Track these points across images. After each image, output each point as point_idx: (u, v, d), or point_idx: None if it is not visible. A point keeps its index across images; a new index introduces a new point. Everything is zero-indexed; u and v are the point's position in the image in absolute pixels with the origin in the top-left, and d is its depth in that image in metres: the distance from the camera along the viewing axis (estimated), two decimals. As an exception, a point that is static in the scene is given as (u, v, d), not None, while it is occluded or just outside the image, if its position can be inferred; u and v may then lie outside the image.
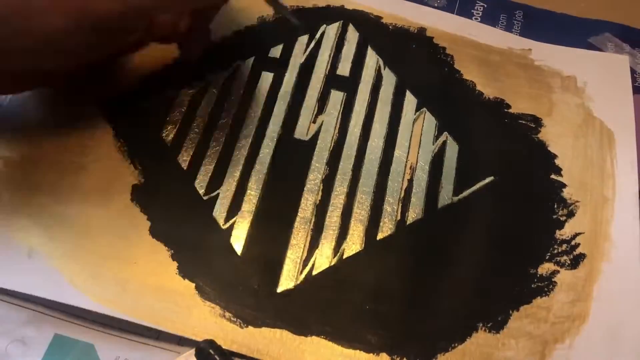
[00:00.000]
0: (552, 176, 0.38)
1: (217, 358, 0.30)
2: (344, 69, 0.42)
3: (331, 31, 0.43)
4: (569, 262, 0.35)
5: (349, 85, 0.41)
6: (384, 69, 0.42)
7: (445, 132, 0.39)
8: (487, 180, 0.37)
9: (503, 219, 0.36)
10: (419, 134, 0.39)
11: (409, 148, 0.38)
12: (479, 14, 0.46)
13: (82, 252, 0.33)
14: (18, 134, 0.38)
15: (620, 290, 0.34)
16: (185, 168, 0.37)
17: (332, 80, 0.41)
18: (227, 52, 0.42)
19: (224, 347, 0.31)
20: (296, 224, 0.35)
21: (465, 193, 0.37)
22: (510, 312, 0.33)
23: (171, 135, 0.38)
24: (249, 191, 0.36)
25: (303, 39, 0.43)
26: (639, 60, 0.43)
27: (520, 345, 0.32)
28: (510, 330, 0.32)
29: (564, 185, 0.37)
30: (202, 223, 0.35)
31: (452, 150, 0.38)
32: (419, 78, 0.42)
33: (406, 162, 0.38)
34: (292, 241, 0.35)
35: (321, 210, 0.36)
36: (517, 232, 0.36)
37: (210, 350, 0.30)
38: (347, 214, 0.36)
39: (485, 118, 0.40)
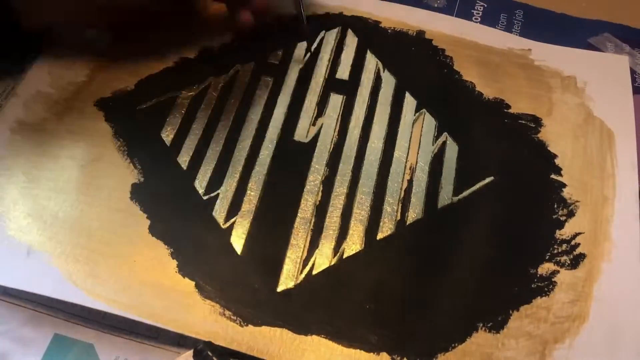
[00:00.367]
0: (552, 176, 0.38)
1: (215, 359, 0.30)
2: (343, 72, 0.42)
3: (330, 37, 0.44)
4: (569, 262, 0.34)
5: (349, 88, 0.41)
6: (383, 72, 0.42)
7: (445, 133, 0.39)
8: (487, 180, 0.37)
9: (503, 219, 0.36)
10: (419, 135, 0.39)
11: (408, 149, 0.38)
12: (479, 14, 0.46)
13: (82, 251, 0.34)
14: (19, 134, 0.38)
15: (620, 290, 0.33)
16: (185, 168, 0.37)
17: (332, 84, 0.41)
18: (227, 56, 0.42)
19: (223, 345, 0.31)
20: (296, 224, 0.35)
21: (465, 193, 0.37)
22: (510, 312, 0.33)
23: (171, 136, 0.38)
24: (248, 191, 0.36)
25: (302, 44, 0.43)
26: (638, 60, 0.43)
27: (520, 345, 0.32)
28: (510, 330, 0.32)
29: (564, 185, 0.37)
30: (201, 222, 0.35)
31: (452, 151, 0.38)
32: (419, 80, 0.42)
33: (406, 162, 0.38)
34: (292, 241, 0.35)
35: (321, 210, 0.36)
36: (517, 232, 0.36)
37: (209, 352, 0.30)
38: (347, 214, 0.36)
39: (485, 118, 0.40)
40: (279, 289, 0.33)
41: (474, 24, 0.45)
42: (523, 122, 0.40)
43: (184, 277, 0.33)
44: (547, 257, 0.35)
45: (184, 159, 0.37)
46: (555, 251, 0.35)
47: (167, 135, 0.38)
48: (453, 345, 0.32)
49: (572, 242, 0.35)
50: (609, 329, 0.32)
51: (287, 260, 0.34)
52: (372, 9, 0.45)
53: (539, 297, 0.33)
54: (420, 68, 0.42)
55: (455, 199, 0.37)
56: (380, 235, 0.35)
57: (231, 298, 0.32)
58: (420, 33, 0.44)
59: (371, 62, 0.42)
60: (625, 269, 0.34)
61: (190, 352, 0.31)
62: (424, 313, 0.33)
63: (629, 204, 0.37)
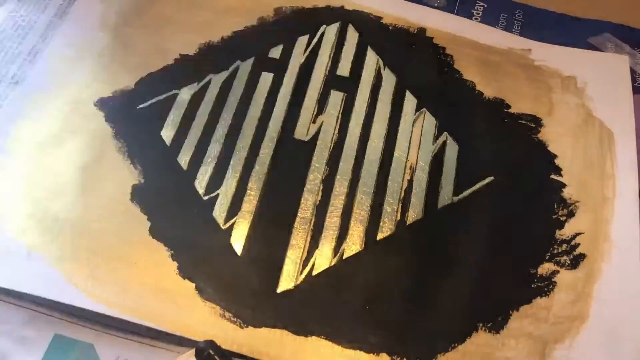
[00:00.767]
0: (552, 176, 0.38)
1: (217, 358, 0.30)
2: (344, 69, 0.42)
3: (331, 32, 0.43)
4: (569, 262, 0.35)
5: (349, 85, 0.41)
6: (384, 69, 0.42)
7: (445, 132, 0.39)
8: (487, 180, 0.37)
9: (503, 219, 0.36)
10: (419, 134, 0.39)
11: (408, 148, 0.38)
12: (479, 13, 0.46)
13: (82, 253, 0.33)
14: (18, 135, 0.38)
15: (620, 290, 0.34)
16: (185, 168, 0.37)
17: (332, 81, 0.41)
18: (227, 52, 0.42)
19: (224, 347, 0.31)
20: (296, 224, 0.35)
21: (465, 193, 0.37)
22: (510, 312, 0.33)
23: (171, 136, 0.38)
24: (249, 191, 0.36)
25: (303, 39, 0.43)
26: (638, 60, 0.43)
27: (520, 345, 0.32)
28: (510, 330, 0.32)
29: (564, 185, 0.37)
30: (202, 223, 0.35)
31: (452, 150, 0.38)
32: (419, 78, 0.42)
33: (406, 162, 0.38)
34: (292, 241, 0.35)
35: (321, 210, 0.36)
36: (517, 232, 0.36)
37: (210, 351, 0.30)
38: (347, 214, 0.36)
39: (485, 118, 0.40)
40: (279, 289, 0.33)
41: (474, 23, 0.45)
42: (523, 122, 0.40)
43: (184, 279, 0.33)
44: (547, 257, 0.35)
45: (184, 159, 0.37)
46: (555, 251, 0.35)
47: (167, 135, 0.38)
48: (453, 345, 0.32)
49: (572, 242, 0.35)
50: (609, 329, 0.32)
51: (287, 261, 0.34)
52: (374, 3, 0.45)
53: (539, 297, 0.33)
54: (421, 66, 0.42)
55: (455, 199, 0.37)
56: (380, 236, 0.35)
57: (231, 299, 0.32)
58: (421, 30, 0.44)
59: (372, 59, 0.42)
60: (625, 269, 0.34)
61: (191, 352, 0.31)
62: (424, 313, 0.33)
63: (629, 204, 0.37)
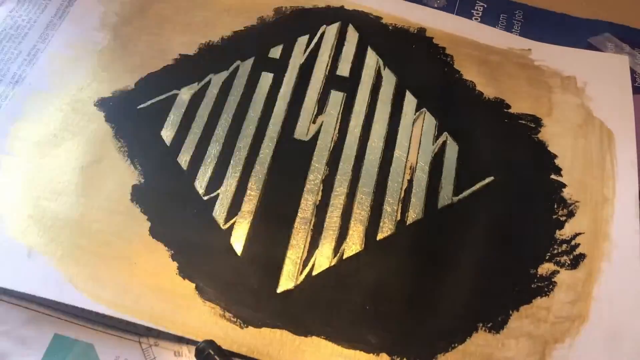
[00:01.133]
0: (552, 176, 0.38)
1: (217, 358, 0.30)
2: (344, 69, 0.42)
3: (331, 32, 0.43)
4: (569, 262, 0.35)
5: (349, 85, 0.41)
6: (384, 69, 0.42)
7: (445, 132, 0.39)
8: (487, 180, 0.37)
9: (503, 219, 0.36)
10: (419, 134, 0.39)
11: (408, 148, 0.38)
12: (479, 14, 0.46)
13: (82, 253, 0.33)
14: (18, 135, 0.38)
15: (620, 290, 0.34)
16: (185, 168, 0.37)
17: (332, 81, 0.41)
18: (227, 52, 0.42)
19: (224, 347, 0.31)
20: (296, 224, 0.35)
21: (465, 193, 0.37)
22: (510, 312, 0.33)
23: (171, 136, 0.38)
24: (249, 191, 0.36)
25: (303, 39, 0.43)
26: (638, 60, 0.43)
27: (520, 345, 0.32)
28: (510, 330, 0.32)
29: (564, 185, 0.37)
30: (202, 223, 0.35)
31: (452, 151, 0.38)
32: (419, 78, 0.42)
33: (406, 162, 0.38)
34: (292, 241, 0.35)
35: (321, 210, 0.36)
36: (517, 232, 0.36)
37: (210, 351, 0.30)
38: (347, 214, 0.36)
39: (485, 118, 0.40)
40: (279, 289, 0.33)
41: (474, 23, 0.45)
42: (523, 122, 0.40)
43: (184, 279, 0.33)
44: (547, 257, 0.35)
45: (184, 159, 0.37)
46: (555, 251, 0.35)
47: (167, 135, 0.38)
48: (453, 345, 0.32)
49: (572, 242, 0.35)
50: (609, 329, 0.32)
51: (287, 261, 0.34)
52: (374, 3, 0.45)
53: (539, 297, 0.33)
54: (421, 66, 0.42)
55: (455, 199, 0.37)
56: (380, 236, 0.35)
57: (231, 300, 0.32)
58: (421, 30, 0.44)
59: (372, 59, 0.42)
60: (625, 269, 0.34)
61: (191, 352, 0.31)
62: (424, 313, 0.33)
63: (629, 204, 0.37)
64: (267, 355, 0.31)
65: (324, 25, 0.44)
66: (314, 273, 0.34)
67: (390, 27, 0.44)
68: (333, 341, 0.32)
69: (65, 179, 0.36)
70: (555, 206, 0.36)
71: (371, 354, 0.31)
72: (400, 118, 0.40)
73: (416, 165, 0.38)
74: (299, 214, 0.36)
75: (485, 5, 0.46)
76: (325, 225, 0.35)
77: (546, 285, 0.34)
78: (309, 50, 0.43)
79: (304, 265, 0.34)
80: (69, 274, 0.33)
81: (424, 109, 0.40)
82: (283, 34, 0.43)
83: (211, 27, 0.43)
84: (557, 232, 0.36)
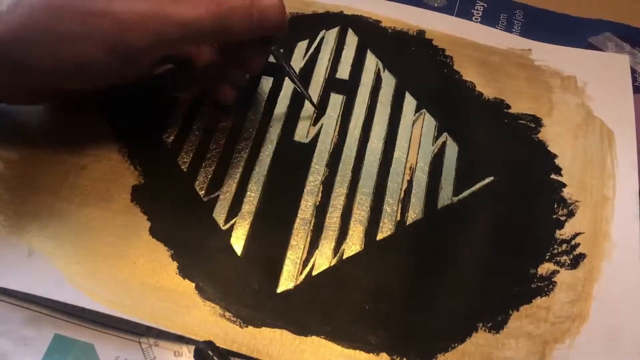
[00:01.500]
0: (552, 176, 0.38)
1: (216, 359, 0.30)
2: (344, 72, 0.42)
3: (330, 36, 0.44)
4: (569, 262, 0.34)
5: (349, 88, 0.41)
6: (384, 72, 0.42)
7: (445, 133, 0.39)
8: (487, 180, 0.37)
9: (503, 219, 0.36)
10: (419, 135, 0.39)
11: (408, 149, 0.38)
12: (479, 14, 0.46)
13: (83, 252, 0.34)
14: (19, 135, 0.38)
15: (620, 290, 0.33)
16: (185, 169, 0.37)
17: (332, 84, 0.41)
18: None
19: (223, 346, 0.31)
20: (296, 225, 0.35)
21: (465, 193, 0.37)
22: (510, 312, 0.33)
23: (172, 137, 0.38)
24: (249, 192, 0.36)
25: (303, 44, 0.43)
26: (639, 59, 0.43)
27: (520, 345, 0.32)
28: (510, 330, 0.32)
29: (564, 185, 0.37)
30: (202, 224, 0.35)
31: (452, 151, 0.38)
32: (419, 80, 0.42)
33: (406, 163, 0.38)
34: (292, 242, 0.35)
35: (321, 211, 0.36)
36: (517, 232, 0.36)
37: (209, 352, 0.30)
38: (346, 214, 0.36)
39: (485, 118, 0.40)
40: (279, 289, 0.33)
41: (474, 24, 0.45)
42: (523, 122, 0.40)
43: (184, 279, 0.33)
44: (547, 257, 0.35)
45: (184, 160, 0.37)
46: (555, 251, 0.35)
47: (168, 136, 0.38)
48: (453, 345, 0.32)
49: (572, 242, 0.35)
50: (609, 329, 0.32)
51: (287, 261, 0.34)
52: (373, 7, 0.45)
53: (539, 297, 0.33)
54: (421, 68, 0.42)
55: (455, 199, 0.37)
56: (380, 236, 0.35)
57: (231, 299, 0.32)
58: (421, 33, 0.44)
59: (371, 61, 0.42)
60: (625, 269, 0.34)
61: (191, 352, 0.31)
62: (424, 313, 0.33)
63: (629, 204, 0.37)
64: (267, 355, 0.31)
65: (324, 30, 0.44)
66: (314, 273, 0.34)
67: (389, 30, 0.44)
68: (333, 341, 0.32)
69: (65, 179, 0.36)
70: (555, 206, 0.36)
71: (371, 354, 0.31)
72: (400, 119, 0.40)
73: (416, 165, 0.38)
74: (298, 215, 0.36)
75: (486, 5, 0.46)
76: (325, 226, 0.35)
77: (546, 285, 0.34)
78: (308, 54, 0.43)
79: (304, 266, 0.34)
80: (69, 274, 0.33)
81: (424, 110, 0.40)
82: (283, 39, 0.43)
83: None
84: (557, 232, 0.36)
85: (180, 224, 0.35)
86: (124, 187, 0.36)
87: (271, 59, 0.42)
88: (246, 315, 0.32)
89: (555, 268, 0.34)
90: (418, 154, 0.38)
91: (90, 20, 0.30)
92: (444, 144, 0.39)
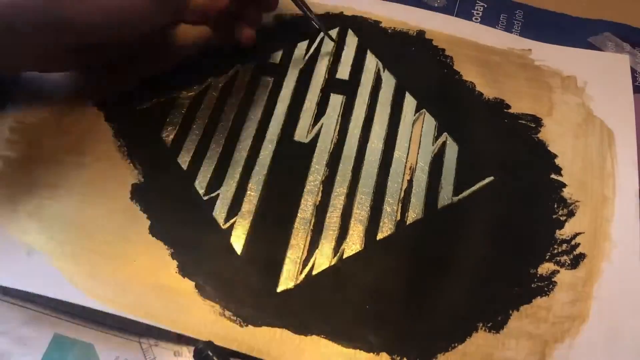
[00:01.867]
0: (552, 176, 0.38)
1: (215, 359, 0.30)
2: (344, 72, 0.42)
3: (329, 36, 0.43)
4: (569, 262, 0.34)
5: (349, 88, 0.41)
6: (384, 72, 0.42)
7: (445, 133, 0.39)
8: (487, 180, 0.37)
9: (503, 219, 0.36)
10: (419, 135, 0.39)
11: (408, 149, 0.38)
12: (479, 14, 0.46)
13: (82, 251, 0.34)
14: (18, 133, 0.38)
15: (620, 290, 0.33)
16: (185, 168, 0.37)
17: (332, 84, 0.41)
18: (227, 56, 0.42)
19: (223, 345, 0.31)
20: (296, 225, 0.35)
21: (465, 193, 0.37)
22: (510, 312, 0.33)
23: (171, 136, 0.38)
24: (249, 192, 0.36)
25: (303, 44, 0.43)
26: (639, 59, 0.43)
27: (520, 345, 0.32)
28: (510, 330, 0.32)
29: (564, 185, 0.37)
30: (202, 223, 0.35)
31: (452, 151, 0.38)
32: (419, 80, 0.42)
33: (406, 162, 0.38)
34: (292, 241, 0.35)
35: (321, 210, 0.36)
36: (517, 232, 0.36)
37: (209, 352, 0.30)
38: (347, 214, 0.36)
39: (485, 118, 0.40)
40: (279, 289, 0.33)
41: (474, 24, 0.45)
42: (523, 122, 0.40)
43: (184, 278, 0.33)
44: (547, 257, 0.35)
45: (184, 159, 0.37)
46: (555, 251, 0.35)
47: (168, 136, 0.38)
48: (453, 345, 0.32)
49: (572, 242, 0.35)
50: (609, 329, 0.32)
51: (287, 261, 0.34)
52: (372, 8, 0.45)
53: (539, 297, 0.33)
54: (421, 68, 0.42)
55: (455, 199, 0.37)
56: (380, 236, 0.35)
57: (231, 298, 0.32)
58: (421, 33, 0.44)
59: (371, 62, 0.42)
60: (625, 269, 0.34)
61: (190, 352, 0.31)
62: (424, 313, 0.33)
63: (629, 204, 0.37)
64: (267, 354, 0.31)
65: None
66: (314, 273, 0.34)
67: (389, 31, 0.44)
68: (333, 340, 0.32)
69: (65, 178, 0.36)
70: (555, 206, 0.36)
71: (371, 353, 0.31)
72: (400, 119, 0.40)
73: (416, 165, 0.38)
74: (298, 214, 0.36)
75: (486, 5, 0.46)
76: (325, 225, 0.35)
77: (546, 285, 0.34)
78: (308, 54, 0.43)
79: (304, 265, 0.34)
80: (69, 273, 0.33)
81: (424, 110, 0.40)
82: (283, 40, 0.43)
83: (212, 32, 0.43)
84: (557, 231, 0.36)
85: (180, 223, 0.35)
86: (124, 185, 0.36)
87: (272, 59, 0.42)
88: (246, 314, 0.32)
89: (555, 268, 0.34)
90: (418, 153, 0.38)
91: None
92: (444, 143, 0.39)
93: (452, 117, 0.40)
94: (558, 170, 0.38)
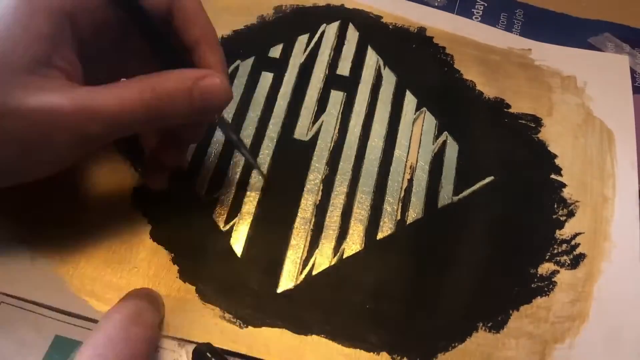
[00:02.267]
0: (552, 176, 0.38)
1: (214, 360, 0.30)
2: (344, 68, 0.42)
3: (331, 30, 0.43)
4: (569, 262, 0.35)
5: (349, 85, 0.41)
6: (384, 69, 0.42)
7: (445, 132, 0.39)
8: (487, 180, 0.37)
9: (503, 219, 0.36)
10: (419, 134, 0.39)
11: (408, 148, 0.38)
12: (479, 13, 0.46)
13: (84, 257, 0.33)
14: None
15: (620, 290, 0.34)
16: (185, 170, 0.37)
17: (332, 80, 0.41)
18: (227, 52, 0.42)
19: (223, 347, 0.31)
20: (296, 224, 0.35)
21: (465, 193, 0.37)
22: (510, 312, 0.33)
23: (171, 135, 0.38)
24: (248, 192, 0.36)
25: (303, 38, 0.43)
26: (638, 60, 0.43)
27: (520, 345, 0.32)
28: (510, 330, 0.32)
29: (564, 185, 0.37)
30: (202, 225, 0.35)
31: (452, 150, 0.38)
32: (419, 78, 0.42)
33: (406, 161, 0.38)
34: (292, 241, 0.35)
35: (321, 210, 0.36)
36: (517, 232, 0.36)
37: (208, 353, 0.30)
38: (347, 214, 0.36)
39: (485, 118, 0.40)
40: (279, 289, 0.33)
41: (474, 23, 0.45)
42: (523, 122, 0.40)
43: (184, 282, 0.33)
44: (547, 257, 0.35)
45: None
46: (555, 251, 0.35)
47: (167, 135, 0.38)
48: (453, 345, 0.32)
49: (572, 242, 0.35)
50: (609, 329, 0.32)
51: (287, 261, 0.34)
52: (374, 2, 0.45)
53: (539, 297, 0.33)
54: (421, 66, 0.42)
55: (456, 198, 0.37)
56: (380, 235, 0.35)
57: (231, 301, 0.32)
58: (421, 30, 0.44)
59: (372, 58, 0.42)
60: (625, 269, 0.34)
61: (189, 354, 0.31)
62: (424, 313, 0.33)
63: (629, 204, 0.37)
64: (268, 354, 0.31)
65: (324, 24, 0.44)
66: (314, 273, 0.34)
67: (390, 27, 0.44)
68: (333, 340, 0.32)
69: (66, 183, 0.36)
70: (555, 206, 0.36)
71: (371, 353, 0.31)
72: (401, 117, 0.40)
73: (416, 164, 0.38)
74: (299, 214, 0.35)
75: (486, 4, 0.46)
76: (325, 225, 0.35)
77: (546, 285, 0.34)
78: (309, 49, 0.43)
79: (304, 265, 0.34)
80: (71, 279, 0.33)
81: (424, 109, 0.40)
82: (283, 33, 0.43)
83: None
84: (557, 232, 0.36)
85: (181, 226, 0.35)
86: (125, 190, 0.36)
87: (272, 54, 0.42)
88: (246, 315, 0.32)
89: (555, 268, 0.34)
90: (418, 152, 0.38)
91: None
92: (444, 143, 0.39)
93: (453, 116, 0.40)
94: (558, 170, 0.38)
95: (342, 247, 0.35)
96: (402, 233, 0.35)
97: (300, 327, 0.32)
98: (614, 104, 0.41)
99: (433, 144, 0.39)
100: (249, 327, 0.32)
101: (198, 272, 0.33)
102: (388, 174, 0.37)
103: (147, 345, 0.28)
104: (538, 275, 0.34)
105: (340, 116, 0.40)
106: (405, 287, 0.33)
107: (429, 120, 0.40)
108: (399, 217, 0.36)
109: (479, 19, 0.45)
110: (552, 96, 0.41)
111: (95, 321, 0.32)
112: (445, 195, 0.37)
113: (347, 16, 0.44)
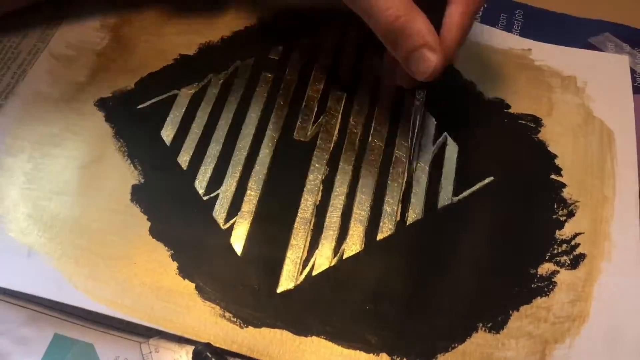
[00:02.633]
0: (552, 176, 0.38)
1: (213, 361, 0.30)
2: (345, 69, 0.42)
3: (331, 32, 0.43)
4: (569, 262, 0.34)
5: (349, 85, 0.41)
6: (384, 69, 0.42)
7: (445, 133, 0.39)
8: (487, 180, 0.37)
9: (503, 219, 0.36)
10: (419, 134, 0.39)
11: (408, 148, 0.38)
12: (479, 13, 0.46)
13: (82, 253, 0.33)
14: (18, 135, 0.38)
15: (620, 290, 0.33)
16: (185, 168, 0.37)
17: (333, 81, 0.41)
18: (226, 52, 0.42)
19: (223, 347, 0.31)
20: (296, 225, 0.35)
21: (465, 193, 0.37)
22: (510, 312, 0.33)
23: (171, 136, 0.38)
24: (248, 191, 0.36)
25: (303, 40, 0.43)
26: (638, 60, 0.43)
27: (520, 345, 0.32)
28: (510, 330, 0.32)
29: (564, 185, 0.37)
30: (202, 223, 0.35)
31: (452, 151, 0.38)
32: (419, 78, 0.41)
33: (406, 162, 0.38)
34: (292, 241, 0.35)
35: (321, 210, 0.36)
36: (517, 232, 0.36)
37: (207, 353, 0.30)
38: (347, 214, 0.36)
39: (485, 118, 0.40)
40: (279, 289, 0.33)
41: (474, 23, 0.45)
42: (523, 122, 0.40)
43: (184, 279, 0.33)
44: (547, 257, 0.35)
45: (184, 159, 0.37)
46: (555, 251, 0.35)
47: (167, 135, 0.38)
48: (453, 345, 0.32)
49: (572, 242, 0.35)
50: (609, 329, 0.32)
51: (287, 261, 0.34)
52: (374, 1, 0.45)
53: (539, 297, 0.33)
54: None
55: (455, 199, 0.37)
56: (380, 236, 0.35)
57: (231, 299, 0.32)
58: (421, 31, 0.44)
59: (372, 59, 0.42)
60: (625, 269, 0.34)
61: (189, 354, 0.31)
62: (424, 313, 0.33)
63: (629, 204, 0.37)
64: (267, 355, 0.31)
65: (325, 26, 0.44)
66: (314, 273, 0.34)
67: (390, 27, 0.44)
68: (333, 341, 0.32)
69: (65, 178, 0.36)
70: (555, 206, 0.36)
71: (371, 354, 0.31)
72: (400, 118, 0.40)
73: (416, 165, 0.38)
74: (298, 214, 0.36)
75: (486, 5, 0.46)
76: (325, 226, 0.35)
77: (546, 285, 0.34)
78: (309, 50, 0.43)
79: (304, 266, 0.34)
80: (69, 274, 0.33)
81: (424, 109, 0.40)
82: (283, 35, 0.43)
83: (211, 27, 0.43)
84: (557, 232, 0.36)
85: (180, 223, 0.35)
86: (124, 186, 0.36)
87: (272, 54, 0.42)
88: (246, 315, 0.32)
89: (555, 268, 0.34)
90: (418, 153, 0.38)
91: None
92: (444, 143, 0.39)
93: (452, 116, 0.40)
94: (558, 171, 0.38)
95: (342, 247, 0.35)
96: (402, 234, 0.35)
97: (300, 329, 0.32)
98: (614, 104, 0.41)
99: (433, 145, 0.39)
100: (249, 327, 0.32)
101: (197, 269, 0.33)
102: (388, 175, 0.37)
103: None
104: (538, 275, 0.34)
105: (340, 117, 0.40)
106: (404, 288, 0.33)
107: (429, 121, 0.39)
108: (398, 218, 0.36)
109: (479, 19, 0.46)
110: (552, 96, 0.41)
111: (94, 320, 0.32)
112: (445, 196, 0.37)
113: (346, 19, 0.44)
